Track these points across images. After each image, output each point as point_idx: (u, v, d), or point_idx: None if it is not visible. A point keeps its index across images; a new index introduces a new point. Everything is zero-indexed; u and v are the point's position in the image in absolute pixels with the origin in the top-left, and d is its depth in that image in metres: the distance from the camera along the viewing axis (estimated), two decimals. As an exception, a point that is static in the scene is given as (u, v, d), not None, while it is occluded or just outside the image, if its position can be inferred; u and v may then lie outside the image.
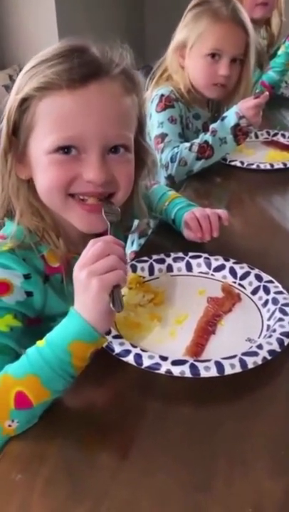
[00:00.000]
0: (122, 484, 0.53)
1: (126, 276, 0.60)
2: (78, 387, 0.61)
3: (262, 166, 1.26)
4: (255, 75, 1.84)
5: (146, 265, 0.85)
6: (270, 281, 0.79)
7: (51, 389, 0.57)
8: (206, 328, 0.73)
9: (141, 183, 0.81)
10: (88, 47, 0.67)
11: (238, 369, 0.63)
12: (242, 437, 0.58)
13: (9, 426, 0.56)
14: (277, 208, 1.15)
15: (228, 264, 0.84)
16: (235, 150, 1.40)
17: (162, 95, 1.34)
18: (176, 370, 0.62)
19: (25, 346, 0.61)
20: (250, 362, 0.64)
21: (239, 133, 1.24)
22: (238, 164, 1.28)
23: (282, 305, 0.74)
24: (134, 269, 0.84)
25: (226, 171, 1.29)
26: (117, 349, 0.65)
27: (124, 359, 0.65)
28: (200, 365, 0.63)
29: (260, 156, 1.35)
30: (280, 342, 0.67)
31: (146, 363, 0.63)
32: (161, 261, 0.86)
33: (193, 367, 0.63)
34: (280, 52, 1.80)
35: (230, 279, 0.83)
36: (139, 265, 0.85)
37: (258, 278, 0.81)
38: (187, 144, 1.26)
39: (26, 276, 0.68)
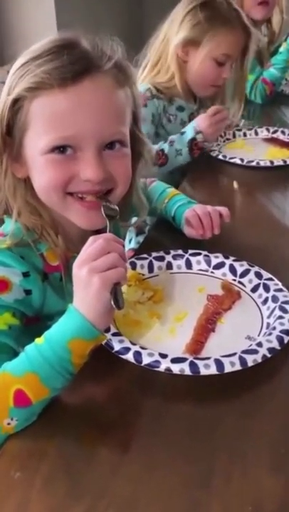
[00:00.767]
0: (121, 481, 0.53)
1: (126, 274, 0.60)
2: (77, 384, 0.61)
3: (262, 163, 1.26)
4: (255, 72, 1.84)
5: (145, 262, 0.85)
6: (270, 279, 0.79)
7: (50, 386, 0.57)
8: (206, 326, 0.72)
9: (139, 176, 0.80)
10: (78, 41, 0.66)
11: (237, 367, 0.63)
12: (242, 434, 0.58)
13: (8, 424, 0.56)
14: (277, 205, 1.15)
15: (228, 262, 0.84)
16: (236, 147, 1.41)
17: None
18: (176, 368, 0.62)
19: (23, 345, 0.61)
20: (250, 360, 0.63)
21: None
22: (238, 161, 1.27)
23: (282, 303, 0.74)
24: (133, 266, 0.84)
25: (225, 168, 1.29)
26: (117, 346, 0.65)
27: (124, 357, 0.64)
28: (200, 363, 0.63)
29: (259, 153, 1.34)
30: (280, 340, 0.67)
31: (146, 360, 0.63)
32: (161, 258, 0.86)
33: (192, 365, 0.62)
34: (281, 49, 1.80)
35: (230, 277, 0.83)
36: (138, 262, 0.85)
37: (258, 275, 0.81)
38: None
39: (25, 274, 0.68)
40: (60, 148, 0.65)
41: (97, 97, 0.64)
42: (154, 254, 0.86)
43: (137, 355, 0.64)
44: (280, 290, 0.77)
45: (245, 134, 1.49)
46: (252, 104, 1.85)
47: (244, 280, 0.82)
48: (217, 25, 1.27)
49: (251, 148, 1.40)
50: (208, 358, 0.64)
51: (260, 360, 0.64)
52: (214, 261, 0.85)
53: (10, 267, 0.67)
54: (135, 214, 0.89)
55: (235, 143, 1.46)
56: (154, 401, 0.63)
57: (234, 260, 0.84)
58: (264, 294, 0.78)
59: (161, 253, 0.87)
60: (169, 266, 0.86)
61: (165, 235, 1.00)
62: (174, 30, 1.32)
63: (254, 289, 0.80)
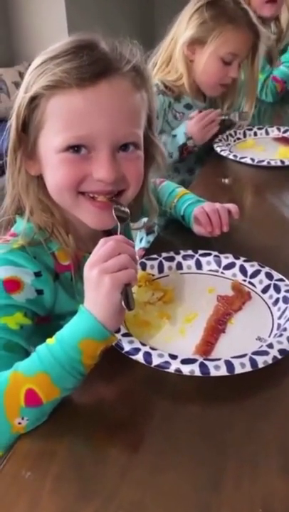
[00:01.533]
0: (131, 483, 0.53)
1: (137, 275, 0.60)
2: (87, 385, 0.61)
3: (272, 163, 1.25)
4: (265, 71, 1.83)
5: (155, 263, 0.85)
6: (281, 280, 0.79)
7: (61, 387, 0.57)
8: (216, 327, 0.72)
9: (151, 177, 0.80)
10: (97, 43, 0.66)
11: (248, 368, 0.62)
12: (252, 437, 0.58)
13: (19, 423, 0.57)
14: (287, 204, 1.14)
15: (238, 262, 0.84)
16: (246, 147, 1.41)
17: None
18: (186, 369, 0.62)
19: (34, 344, 0.62)
20: (261, 361, 0.63)
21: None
22: (249, 161, 1.27)
23: (293, 303, 0.73)
24: (143, 267, 0.84)
25: (236, 168, 1.28)
26: (127, 347, 0.65)
27: (134, 357, 0.64)
28: (210, 364, 0.62)
29: (270, 153, 1.34)
30: (291, 341, 0.66)
31: (156, 361, 0.63)
32: (171, 259, 0.86)
33: (203, 366, 0.62)
34: None
35: (240, 277, 0.83)
36: (148, 263, 0.85)
37: (269, 276, 0.80)
38: None
39: (37, 274, 0.69)
40: (74, 148, 0.65)
41: (113, 98, 0.65)
42: (164, 254, 0.86)
43: (147, 355, 0.64)
44: (291, 291, 0.76)
45: (255, 134, 1.49)
46: (263, 103, 1.84)
47: (254, 281, 0.81)
48: (222, 23, 1.27)
49: (262, 148, 1.40)
50: (219, 359, 0.63)
51: (270, 362, 0.64)
52: (224, 261, 0.85)
53: (22, 267, 0.68)
54: (145, 215, 0.89)
55: (245, 142, 1.46)
56: (164, 402, 0.63)
57: (244, 261, 0.84)
58: (275, 295, 0.77)
59: (171, 253, 0.87)
60: (179, 266, 0.86)
61: (175, 235, 1.00)
62: (181, 29, 1.32)
63: (265, 290, 0.79)
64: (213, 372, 0.62)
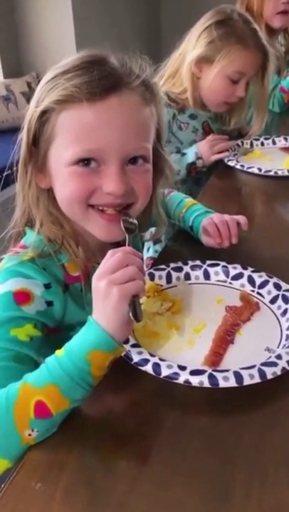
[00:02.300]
0: (140, 494, 0.53)
1: (144, 286, 0.61)
2: (96, 396, 0.62)
3: (280, 173, 1.25)
4: (273, 81, 1.84)
5: (163, 273, 0.85)
6: (289, 290, 0.79)
7: (70, 398, 0.58)
8: (225, 338, 0.72)
9: (159, 190, 0.81)
10: (107, 58, 0.68)
11: (257, 379, 0.63)
12: (261, 448, 0.58)
13: (29, 435, 0.57)
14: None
15: (247, 273, 0.84)
16: (253, 157, 1.41)
17: None
18: (195, 380, 0.62)
19: (44, 355, 0.62)
20: (270, 372, 0.63)
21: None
22: (256, 171, 1.27)
23: (302, 314, 0.74)
24: (151, 277, 0.84)
25: (243, 178, 1.29)
26: (136, 358, 0.66)
27: (143, 368, 0.65)
28: (219, 375, 0.63)
29: (277, 163, 1.34)
30: (300, 352, 0.66)
31: (165, 372, 0.63)
32: (179, 269, 0.86)
33: (211, 377, 0.62)
34: None
35: (248, 288, 0.83)
36: (156, 273, 0.85)
37: (277, 287, 0.80)
38: None
39: (47, 286, 0.69)
40: (84, 161, 0.66)
41: (123, 113, 0.66)
42: (172, 264, 0.87)
43: (156, 366, 0.64)
44: (300, 301, 0.76)
45: (262, 144, 1.49)
46: (270, 112, 1.84)
47: (263, 291, 0.81)
48: (231, 43, 1.29)
49: (269, 158, 1.40)
50: (227, 371, 0.63)
51: (279, 373, 0.64)
52: (232, 272, 0.85)
53: (32, 279, 0.68)
54: (153, 225, 0.89)
55: (252, 152, 1.46)
56: (172, 413, 0.63)
57: (253, 271, 0.84)
58: (283, 306, 0.77)
59: (179, 264, 0.87)
60: (187, 276, 0.86)
61: (183, 245, 1.01)
62: (190, 46, 1.34)
63: (273, 300, 0.79)
64: (222, 384, 0.62)
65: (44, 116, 0.67)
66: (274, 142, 1.50)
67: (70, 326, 0.73)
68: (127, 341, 0.67)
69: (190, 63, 1.34)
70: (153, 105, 0.70)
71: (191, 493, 0.53)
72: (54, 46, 3.16)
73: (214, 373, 0.63)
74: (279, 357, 0.66)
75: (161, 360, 0.66)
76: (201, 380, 0.62)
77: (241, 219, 0.93)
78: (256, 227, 1.07)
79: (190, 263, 0.87)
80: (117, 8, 3.51)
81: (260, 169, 1.27)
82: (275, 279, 0.82)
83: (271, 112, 1.87)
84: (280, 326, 0.75)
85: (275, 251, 0.97)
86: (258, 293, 0.82)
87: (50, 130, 0.67)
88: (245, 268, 0.85)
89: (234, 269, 0.85)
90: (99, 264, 0.62)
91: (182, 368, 0.64)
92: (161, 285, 0.84)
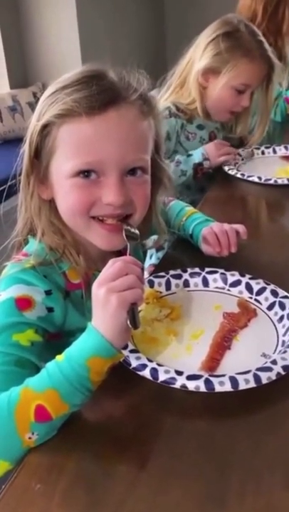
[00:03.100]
0: (137, 498, 0.54)
1: (143, 295, 0.62)
2: (95, 400, 0.63)
3: (279, 181, 1.27)
4: (276, 91, 1.86)
5: (163, 280, 0.87)
6: (286, 297, 0.80)
7: (70, 403, 0.59)
8: (222, 343, 0.74)
9: (158, 200, 0.83)
10: (106, 73, 0.70)
11: (252, 384, 0.64)
12: (256, 452, 0.59)
13: (29, 438, 0.59)
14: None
15: (244, 280, 0.86)
16: (252, 165, 1.43)
17: None
18: (191, 385, 0.64)
19: (45, 360, 0.64)
20: (265, 377, 0.65)
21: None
22: (256, 180, 1.29)
23: (298, 321, 0.75)
24: (151, 284, 0.86)
25: (243, 187, 1.31)
26: (134, 363, 0.67)
27: (141, 373, 0.66)
28: (214, 380, 0.64)
29: (278, 171, 1.36)
30: (295, 357, 0.68)
31: (162, 377, 0.65)
32: (178, 276, 0.88)
33: (208, 382, 0.64)
34: None
35: (246, 295, 0.84)
36: (156, 280, 0.87)
37: (274, 293, 0.82)
38: None
39: (48, 293, 0.71)
40: (84, 173, 0.68)
41: (121, 126, 0.68)
42: (172, 272, 0.88)
43: (154, 371, 0.66)
44: (296, 308, 0.78)
45: (263, 153, 1.51)
46: (272, 122, 1.86)
47: (260, 298, 0.83)
48: (237, 56, 1.31)
49: (269, 166, 1.42)
50: (223, 375, 0.65)
51: (274, 378, 0.65)
52: (231, 279, 0.87)
53: (33, 286, 0.70)
54: (154, 233, 0.91)
55: (253, 161, 1.48)
56: (170, 418, 0.64)
57: (250, 278, 0.86)
58: (280, 312, 0.79)
59: (179, 271, 0.89)
60: (186, 284, 0.88)
61: (183, 253, 1.02)
62: (197, 57, 1.37)
63: (270, 307, 0.81)
64: (218, 388, 0.63)
65: (45, 129, 0.69)
66: (274, 151, 1.51)
67: (71, 332, 0.75)
68: (125, 347, 0.69)
69: (197, 73, 1.36)
70: (151, 118, 0.73)
71: (187, 496, 0.55)
72: (60, 57, 3.21)
73: (210, 378, 0.64)
74: (274, 362, 0.67)
75: (159, 365, 0.67)
76: (198, 385, 0.64)
77: (240, 228, 0.95)
78: (255, 235, 1.08)
79: (189, 270, 0.89)
80: (122, 18, 3.55)
81: (260, 178, 1.29)
82: (272, 286, 0.83)
83: (273, 121, 1.89)
84: (277, 332, 0.76)
85: (273, 258, 0.98)
86: (256, 300, 0.83)
87: (51, 143, 0.69)
88: (243, 275, 0.87)
89: (232, 276, 0.87)
90: (100, 271, 0.64)
91: (179, 373, 0.66)
92: (161, 292, 0.86)
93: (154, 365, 0.67)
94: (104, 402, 0.66)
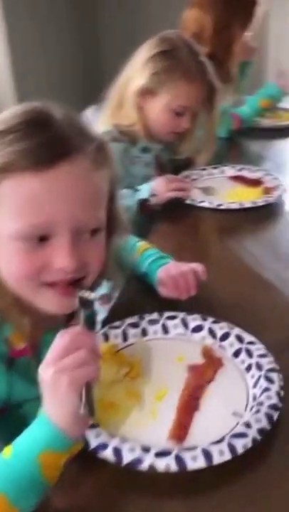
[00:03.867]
0: None
1: (99, 371, 0.55)
2: (54, 491, 0.55)
3: (232, 206, 1.23)
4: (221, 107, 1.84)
5: (119, 332, 0.79)
6: (252, 343, 0.75)
7: (21, 506, 0.51)
8: (189, 405, 0.67)
9: (113, 249, 0.75)
10: (52, 116, 0.60)
11: (227, 456, 0.58)
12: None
13: None
14: (251, 252, 1.11)
15: (207, 325, 0.80)
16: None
17: None
18: (161, 465, 0.57)
19: None
20: (240, 446, 0.58)
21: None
22: (207, 205, 1.24)
23: (267, 371, 0.69)
24: (106, 337, 0.78)
25: (194, 213, 1.25)
26: (93, 443, 0.59)
27: (102, 455, 0.58)
28: (186, 456, 0.57)
29: (228, 194, 1.31)
30: (269, 417, 0.62)
31: (127, 458, 0.57)
32: (135, 325, 0.81)
33: (178, 459, 0.57)
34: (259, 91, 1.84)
35: (209, 341, 0.78)
36: (111, 332, 0.79)
37: (239, 339, 0.76)
38: None
39: None
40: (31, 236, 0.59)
41: (74, 181, 0.59)
42: (128, 320, 0.81)
43: (116, 453, 0.58)
44: (264, 356, 0.72)
45: (210, 174, 1.47)
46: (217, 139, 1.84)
47: (225, 344, 0.77)
48: (175, 77, 1.25)
49: (219, 189, 1.37)
50: (195, 448, 0.58)
51: (250, 445, 0.59)
52: (192, 324, 0.81)
53: None
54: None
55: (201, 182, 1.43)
56: (141, 501, 0.57)
57: (213, 322, 0.80)
58: (247, 360, 0.73)
59: (136, 318, 0.81)
60: (145, 332, 0.81)
61: (138, 293, 0.95)
62: (134, 75, 1.30)
63: (236, 354, 0.75)
64: (191, 466, 0.57)
65: None
66: (222, 171, 1.48)
67: (18, 404, 0.66)
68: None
69: (134, 94, 1.30)
70: (106, 167, 0.64)
71: None
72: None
73: (181, 455, 0.57)
74: (248, 425, 0.61)
75: (121, 440, 0.59)
76: (168, 464, 0.57)
77: (199, 268, 0.88)
78: (212, 266, 1.03)
79: (146, 317, 0.82)
80: (56, 43, 3.44)
81: (211, 203, 1.24)
82: (236, 331, 0.77)
83: (218, 138, 1.86)
84: (246, 383, 0.71)
85: (233, 293, 0.93)
86: (220, 346, 0.77)
87: None
88: (204, 319, 0.81)
89: (194, 321, 0.81)
90: (52, 331, 0.56)
91: (146, 449, 0.58)
92: (117, 345, 0.78)
93: (116, 442, 0.59)
94: (65, 489, 0.57)
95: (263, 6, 1.73)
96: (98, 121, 1.38)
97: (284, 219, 1.25)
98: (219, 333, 0.78)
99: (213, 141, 1.45)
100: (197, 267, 0.88)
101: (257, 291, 0.95)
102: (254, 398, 0.67)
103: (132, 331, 0.80)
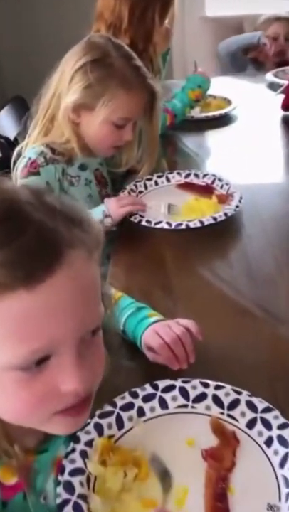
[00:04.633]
0: None
1: None
2: None
3: (191, 225, 1.12)
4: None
5: (112, 419, 0.67)
6: (268, 410, 0.66)
7: None
8: (216, 507, 0.58)
9: None
10: (25, 206, 0.46)
11: None
12: None
13: None
14: (219, 276, 1.02)
15: (210, 392, 0.70)
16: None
17: (29, 158, 1.18)
18: None
19: None
20: None
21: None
22: (166, 226, 1.13)
23: (295, 446, 0.62)
24: (99, 430, 0.66)
25: (153, 236, 1.14)
26: None
27: None
28: None
29: (185, 210, 1.21)
30: (315, 512, 0.55)
31: None
32: (129, 406, 0.69)
33: None
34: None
35: (216, 410, 0.69)
36: (103, 422, 0.67)
37: (251, 406, 0.67)
38: None
39: None
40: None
41: (72, 287, 0.47)
42: (119, 402, 0.69)
43: None
44: (285, 426, 0.64)
45: (156, 183, 1.36)
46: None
47: (235, 413, 0.68)
48: (112, 88, 1.12)
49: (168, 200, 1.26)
50: None
51: None
52: (192, 393, 0.71)
53: None
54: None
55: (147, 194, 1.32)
56: None
57: (216, 388, 0.70)
58: (265, 432, 0.65)
59: (128, 398, 0.70)
60: (141, 412, 0.69)
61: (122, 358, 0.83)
62: (63, 89, 1.14)
63: (250, 425, 0.66)
64: None
65: None
66: (168, 179, 1.37)
67: None
68: None
69: (66, 110, 1.15)
70: (96, 252, 0.51)
71: None
72: None
73: None
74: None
75: None
76: None
77: (192, 327, 0.77)
78: (184, 303, 0.94)
79: (140, 393, 0.70)
80: None
81: (169, 224, 1.13)
82: (245, 396, 0.69)
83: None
84: (270, 461, 0.63)
85: (217, 334, 0.84)
86: (230, 415, 0.68)
87: None
88: (206, 385, 0.71)
89: (194, 390, 0.71)
90: (41, 452, 0.51)
91: None
92: (113, 435, 0.66)
93: None
94: None
95: None
96: (25, 142, 1.22)
97: (244, 231, 1.17)
98: (226, 401, 0.69)
99: (156, 148, 1.34)
100: (191, 326, 0.77)
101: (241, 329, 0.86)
102: (286, 482, 0.60)
103: (126, 415, 0.68)
